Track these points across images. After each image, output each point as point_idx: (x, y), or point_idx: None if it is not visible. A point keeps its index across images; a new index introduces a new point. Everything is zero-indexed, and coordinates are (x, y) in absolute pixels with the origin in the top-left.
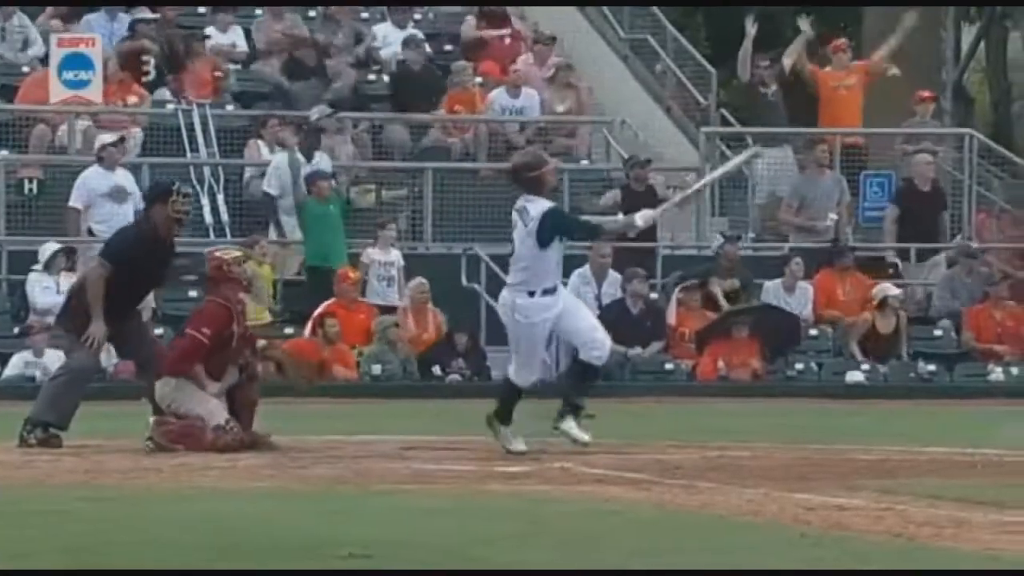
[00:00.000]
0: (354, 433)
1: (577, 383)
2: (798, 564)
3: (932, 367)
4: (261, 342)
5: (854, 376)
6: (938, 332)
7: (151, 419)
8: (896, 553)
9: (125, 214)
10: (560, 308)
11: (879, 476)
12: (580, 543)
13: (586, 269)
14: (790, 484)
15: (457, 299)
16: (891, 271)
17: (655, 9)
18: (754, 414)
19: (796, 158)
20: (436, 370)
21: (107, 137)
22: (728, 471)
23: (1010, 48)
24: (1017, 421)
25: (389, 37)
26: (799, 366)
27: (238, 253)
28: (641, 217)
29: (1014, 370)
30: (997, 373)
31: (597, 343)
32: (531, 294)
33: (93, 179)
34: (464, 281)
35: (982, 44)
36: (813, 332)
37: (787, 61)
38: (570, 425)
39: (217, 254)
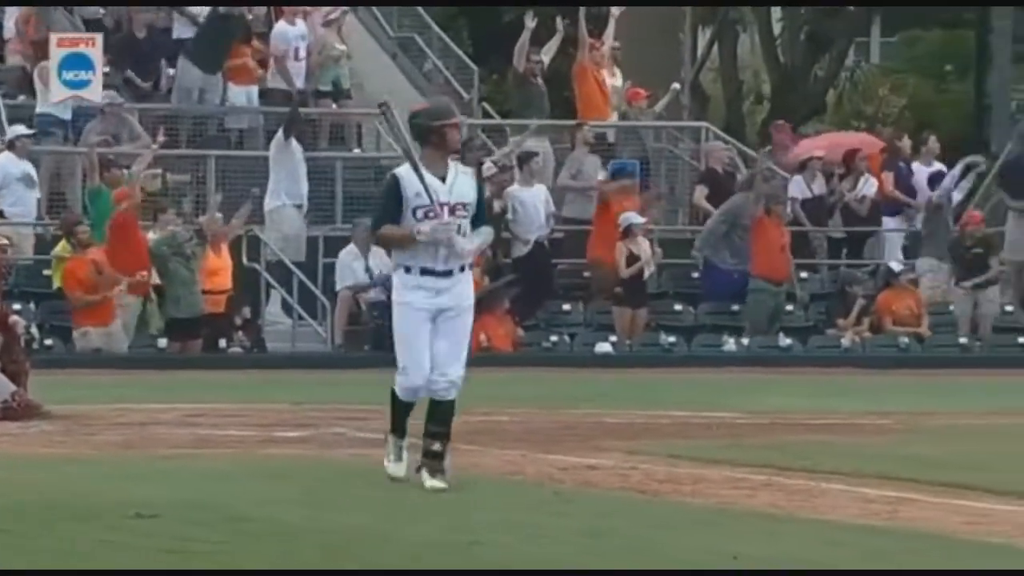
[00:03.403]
0: (141, 402)
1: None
2: (549, 519)
3: (673, 339)
4: (14, 318)
5: (603, 347)
6: (678, 307)
7: None
8: (639, 507)
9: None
10: (448, 304)
11: (625, 438)
12: (356, 504)
13: (352, 246)
14: (545, 446)
15: (238, 277)
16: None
17: (421, 10)
18: (513, 382)
19: (555, 148)
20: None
21: (20, 128)
22: (490, 434)
23: (740, 50)
24: (747, 388)
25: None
26: (554, 338)
27: (5, 241)
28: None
29: (745, 341)
30: (730, 344)
31: (447, 372)
32: (407, 270)
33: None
34: (245, 261)
35: (716, 46)
36: (566, 307)
37: (545, 58)
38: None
39: None
